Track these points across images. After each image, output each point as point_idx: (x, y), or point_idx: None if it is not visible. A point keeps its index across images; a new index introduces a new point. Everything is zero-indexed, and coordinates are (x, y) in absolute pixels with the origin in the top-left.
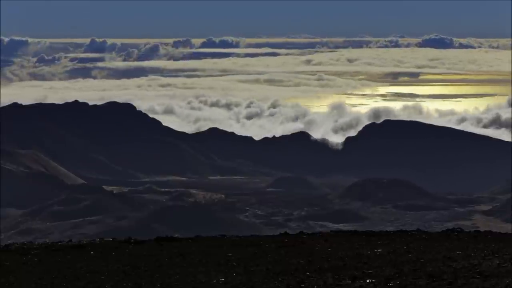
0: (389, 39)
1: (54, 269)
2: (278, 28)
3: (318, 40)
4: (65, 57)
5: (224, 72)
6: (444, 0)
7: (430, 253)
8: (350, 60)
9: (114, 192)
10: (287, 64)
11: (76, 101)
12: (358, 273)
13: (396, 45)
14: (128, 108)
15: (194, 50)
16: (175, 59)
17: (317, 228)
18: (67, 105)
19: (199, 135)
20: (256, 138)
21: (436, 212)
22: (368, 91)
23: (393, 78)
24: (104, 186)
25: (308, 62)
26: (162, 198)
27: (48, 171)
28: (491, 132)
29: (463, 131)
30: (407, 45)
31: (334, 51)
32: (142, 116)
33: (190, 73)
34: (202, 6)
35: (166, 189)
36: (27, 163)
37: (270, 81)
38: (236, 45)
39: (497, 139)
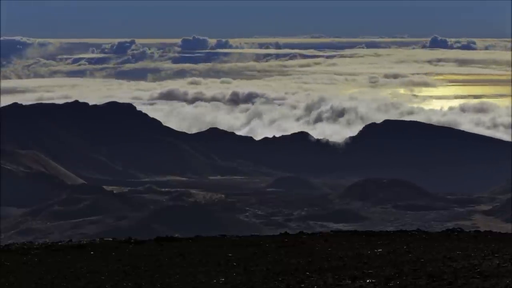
0: (401, 39)
1: (54, 269)
2: (270, 29)
3: (327, 40)
4: (71, 58)
5: (265, 74)
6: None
7: (430, 253)
8: (371, 63)
9: (114, 192)
10: (319, 64)
11: (76, 101)
12: (358, 273)
13: (406, 45)
14: (128, 108)
15: (208, 50)
16: (184, 60)
17: (317, 228)
18: (67, 105)
19: (199, 135)
20: (257, 138)
21: (436, 212)
22: (417, 92)
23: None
24: (104, 186)
25: (334, 64)
26: (162, 198)
27: (48, 171)
28: (491, 132)
29: (463, 131)
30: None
31: (358, 52)
32: (142, 116)
33: (224, 75)
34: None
35: (166, 189)
36: (27, 163)
37: (326, 83)
38: (244, 46)
39: (497, 139)
